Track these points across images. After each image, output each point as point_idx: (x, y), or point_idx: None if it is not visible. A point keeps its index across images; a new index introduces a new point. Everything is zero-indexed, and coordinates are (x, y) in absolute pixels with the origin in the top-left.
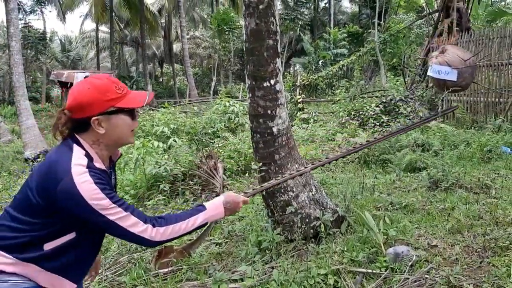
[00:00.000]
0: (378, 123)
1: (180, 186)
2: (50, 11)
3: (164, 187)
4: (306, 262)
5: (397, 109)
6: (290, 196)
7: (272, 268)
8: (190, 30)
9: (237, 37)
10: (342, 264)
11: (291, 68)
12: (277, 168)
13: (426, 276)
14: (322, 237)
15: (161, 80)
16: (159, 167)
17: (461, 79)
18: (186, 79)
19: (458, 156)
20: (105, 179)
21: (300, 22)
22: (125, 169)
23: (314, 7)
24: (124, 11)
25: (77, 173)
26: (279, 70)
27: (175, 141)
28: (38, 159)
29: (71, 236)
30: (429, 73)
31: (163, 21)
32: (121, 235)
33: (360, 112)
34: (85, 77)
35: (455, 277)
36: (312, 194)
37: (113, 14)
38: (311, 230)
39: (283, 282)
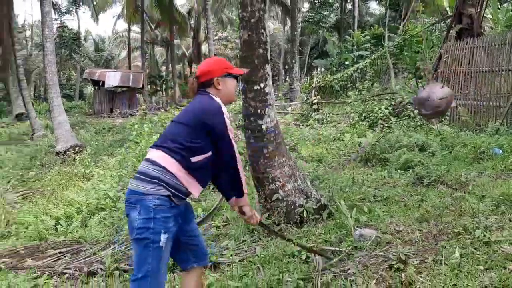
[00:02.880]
0: (386, 125)
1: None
2: (84, 12)
3: None
4: (286, 241)
5: (405, 112)
6: (277, 185)
7: (258, 245)
8: (219, 31)
9: None
10: (316, 243)
11: (318, 69)
12: (266, 161)
13: (382, 253)
14: (304, 221)
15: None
16: None
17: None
18: None
19: (454, 156)
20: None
21: (324, 25)
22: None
23: (340, 9)
24: (155, 12)
25: (222, 106)
26: (268, 75)
27: None
28: (68, 152)
29: (208, 154)
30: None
31: (192, 22)
32: (227, 148)
33: (370, 114)
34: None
35: (405, 254)
36: (298, 185)
37: (145, 15)
38: (296, 216)
39: (264, 256)
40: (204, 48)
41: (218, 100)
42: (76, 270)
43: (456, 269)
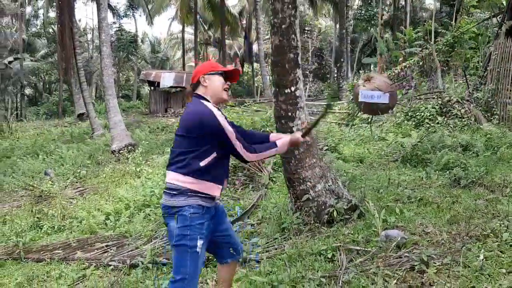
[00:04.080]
0: (433, 124)
1: (230, 177)
2: (140, 16)
3: None
4: (313, 240)
5: (452, 111)
6: (308, 186)
7: (288, 243)
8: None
9: (310, 37)
10: (343, 242)
11: (371, 67)
12: (296, 162)
13: (406, 254)
14: (334, 221)
15: (242, 79)
16: None
17: (392, 100)
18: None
19: (499, 157)
20: (223, 114)
21: (375, 22)
22: None
23: (393, 5)
24: (207, 14)
25: (214, 110)
26: (299, 79)
27: None
28: (122, 151)
29: (214, 155)
30: (360, 99)
31: (244, 22)
32: (231, 149)
33: (417, 113)
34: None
35: (428, 256)
36: (329, 185)
37: (198, 16)
38: (326, 216)
39: (292, 254)
40: (256, 47)
41: (206, 103)
42: (120, 263)
43: (478, 272)
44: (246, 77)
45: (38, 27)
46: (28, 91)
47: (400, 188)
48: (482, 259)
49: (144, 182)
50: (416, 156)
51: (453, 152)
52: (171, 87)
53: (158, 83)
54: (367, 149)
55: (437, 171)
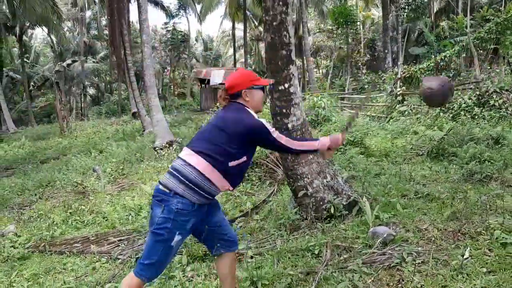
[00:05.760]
0: (470, 116)
1: (247, 172)
2: (190, 15)
3: None
4: (304, 236)
5: (490, 101)
6: (305, 182)
7: (282, 240)
8: (321, 23)
9: (352, 28)
10: (334, 238)
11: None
12: (293, 158)
13: (390, 252)
14: (332, 217)
15: None
16: None
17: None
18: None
19: None
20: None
21: (423, 11)
22: None
23: None
24: (256, 9)
25: (263, 121)
26: (293, 75)
27: None
28: (162, 148)
29: (244, 159)
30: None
31: (294, 16)
32: (276, 144)
33: (453, 104)
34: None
35: (408, 253)
36: (327, 181)
37: (247, 12)
38: (324, 212)
39: (282, 250)
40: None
41: (251, 111)
42: (128, 256)
43: (457, 271)
44: (298, 71)
45: (97, 30)
46: (91, 91)
47: (412, 183)
48: (467, 258)
49: None
50: (442, 150)
51: (481, 145)
52: (221, 83)
53: (208, 80)
54: (392, 143)
55: (455, 165)
